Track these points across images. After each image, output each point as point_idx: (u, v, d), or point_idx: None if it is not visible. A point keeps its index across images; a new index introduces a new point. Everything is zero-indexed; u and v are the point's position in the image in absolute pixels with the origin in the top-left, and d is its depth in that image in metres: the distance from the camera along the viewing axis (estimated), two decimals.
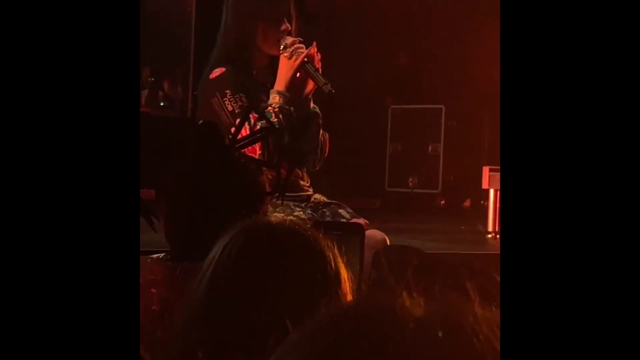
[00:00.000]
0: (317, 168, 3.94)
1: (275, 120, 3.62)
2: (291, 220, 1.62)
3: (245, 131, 3.26)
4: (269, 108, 3.65)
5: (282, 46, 3.70)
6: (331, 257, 1.57)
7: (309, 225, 1.62)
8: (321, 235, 1.59)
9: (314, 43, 3.72)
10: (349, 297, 1.57)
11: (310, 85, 3.72)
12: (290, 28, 3.75)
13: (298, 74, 3.69)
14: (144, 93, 8.91)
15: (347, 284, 1.58)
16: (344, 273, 1.58)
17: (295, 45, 3.69)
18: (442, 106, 9.87)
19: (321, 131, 3.86)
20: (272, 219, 1.64)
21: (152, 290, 2.03)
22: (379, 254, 3.39)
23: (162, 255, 2.23)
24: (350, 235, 2.50)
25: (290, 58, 3.68)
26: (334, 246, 1.59)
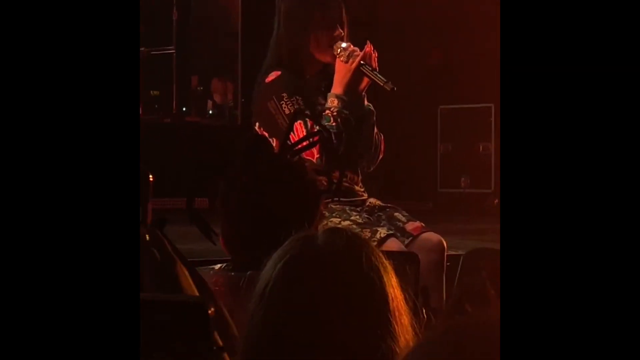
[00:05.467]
0: (372, 169, 3.91)
1: (334, 124, 3.60)
2: (348, 236, 1.59)
3: (303, 134, 3.25)
4: (327, 112, 3.63)
5: (337, 50, 3.68)
6: (386, 276, 1.55)
7: (364, 241, 1.59)
8: (377, 253, 1.56)
9: (368, 42, 3.69)
10: (405, 317, 1.55)
11: (364, 83, 3.69)
12: (343, 34, 3.73)
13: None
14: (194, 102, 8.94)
15: (402, 304, 1.55)
16: (398, 293, 1.56)
17: (351, 49, 3.67)
18: (492, 105, 9.81)
19: (375, 130, 3.83)
20: (328, 234, 1.60)
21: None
22: (467, 258, 3.35)
23: (223, 265, 2.22)
24: (406, 264, 2.49)
25: (346, 62, 3.66)
26: (388, 264, 1.57)
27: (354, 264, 1.53)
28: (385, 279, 1.54)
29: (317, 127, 3.36)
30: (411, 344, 1.51)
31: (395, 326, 1.51)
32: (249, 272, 2.02)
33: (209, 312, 1.55)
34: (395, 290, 1.54)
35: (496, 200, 9.70)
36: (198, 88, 8.94)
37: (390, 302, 1.53)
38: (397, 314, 1.53)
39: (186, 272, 1.76)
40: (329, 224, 3.52)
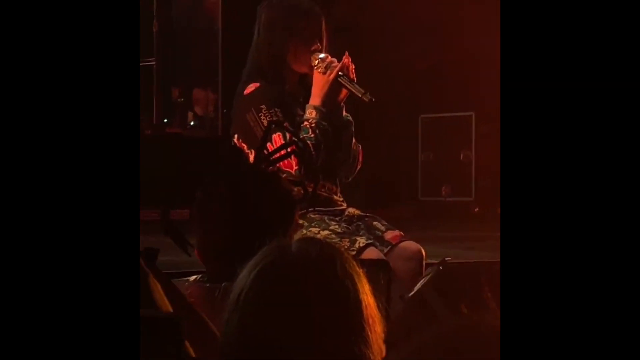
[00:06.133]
0: (350, 179, 3.93)
1: (312, 135, 3.62)
2: (321, 245, 1.61)
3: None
4: (306, 123, 3.66)
5: (315, 61, 3.70)
6: (359, 284, 1.57)
7: (338, 250, 1.61)
8: (350, 261, 1.59)
9: (346, 53, 3.72)
10: (378, 325, 1.56)
11: (343, 94, 3.72)
12: (320, 47, 3.75)
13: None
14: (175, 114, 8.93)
15: (375, 311, 1.57)
16: (372, 300, 1.58)
17: (328, 60, 3.69)
18: (472, 113, 9.84)
19: (354, 140, 3.86)
20: (302, 243, 1.62)
21: None
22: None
23: (198, 277, 2.23)
24: (377, 272, 2.51)
25: (324, 73, 3.68)
26: (361, 272, 1.59)
27: (327, 272, 1.55)
28: (359, 286, 1.56)
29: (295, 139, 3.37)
30: (384, 351, 1.54)
31: (369, 333, 1.53)
32: (224, 284, 2.03)
33: (181, 326, 1.57)
34: (369, 298, 1.56)
35: (477, 209, 9.72)
36: (179, 100, 8.94)
37: (364, 309, 1.55)
38: (370, 321, 1.55)
39: (159, 286, 1.78)
40: (308, 233, 3.54)
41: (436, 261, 4.72)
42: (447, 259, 2.63)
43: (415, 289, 1.87)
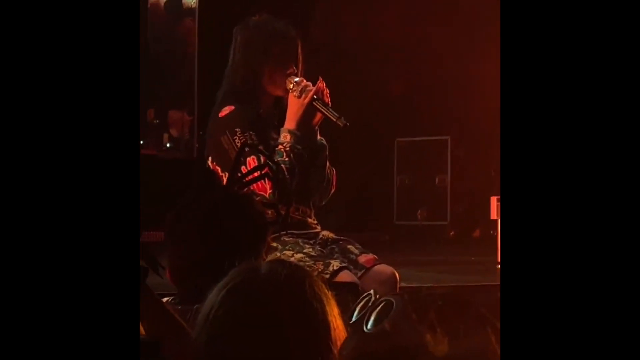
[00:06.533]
0: (324, 203, 3.93)
1: (287, 159, 3.63)
2: (291, 267, 1.62)
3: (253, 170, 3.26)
4: (280, 147, 3.66)
5: (290, 85, 3.71)
6: (328, 306, 1.58)
7: (307, 272, 1.62)
8: (319, 284, 1.59)
9: (320, 78, 3.72)
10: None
11: (317, 118, 3.73)
12: (296, 70, 3.76)
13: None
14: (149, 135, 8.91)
15: (343, 334, 1.58)
16: (340, 323, 1.59)
17: (303, 84, 3.70)
18: (448, 137, 9.88)
19: (328, 164, 3.86)
20: (271, 265, 1.63)
21: None
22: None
23: (170, 299, 2.22)
24: (346, 295, 2.51)
25: (299, 96, 3.69)
26: (330, 295, 1.60)
27: (296, 294, 1.56)
28: (327, 308, 1.57)
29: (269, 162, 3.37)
30: None
31: (336, 354, 1.54)
32: (196, 306, 2.03)
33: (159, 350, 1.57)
34: (337, 320, 1.58)
35: (452, 233, 9.75)
36: (154, 121, 8.93)
37: (332, 331, 1.56)
38: (338, 343, 1.55)
39: None
40: (282, 256, 3.53)
41: (410, 285, 4.71)
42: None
43: (373, 318, 1.86)
